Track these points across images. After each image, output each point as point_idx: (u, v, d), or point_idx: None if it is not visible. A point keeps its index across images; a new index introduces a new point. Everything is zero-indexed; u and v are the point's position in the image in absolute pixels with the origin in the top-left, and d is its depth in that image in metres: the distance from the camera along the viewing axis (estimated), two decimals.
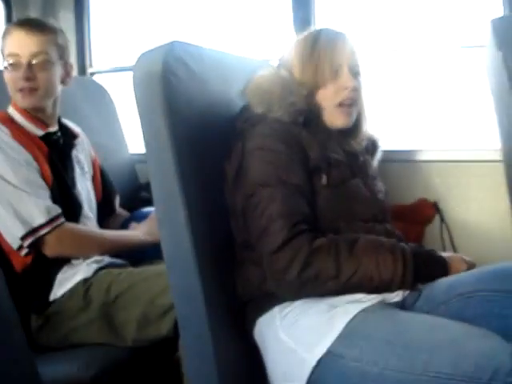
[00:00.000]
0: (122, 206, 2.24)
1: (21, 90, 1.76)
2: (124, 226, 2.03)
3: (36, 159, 1.74)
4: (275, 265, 1.25)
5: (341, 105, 1.45)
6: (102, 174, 2.11)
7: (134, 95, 1.37)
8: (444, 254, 1.40)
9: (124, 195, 2.29)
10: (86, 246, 1.76)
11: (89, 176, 2.00)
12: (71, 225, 1.75)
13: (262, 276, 1.31)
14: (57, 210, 1.70)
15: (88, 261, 1.75)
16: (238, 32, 2.58)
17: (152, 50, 1.40)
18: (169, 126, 1.33)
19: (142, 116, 1.36)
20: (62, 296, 1.68)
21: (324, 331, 1.21)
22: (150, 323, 1.59)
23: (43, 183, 1.72)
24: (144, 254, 1.89)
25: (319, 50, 1.45)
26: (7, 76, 1.77)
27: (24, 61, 1.74)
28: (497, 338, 1.12)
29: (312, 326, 1.23)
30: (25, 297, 1.66)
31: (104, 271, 1.74)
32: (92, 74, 2.86)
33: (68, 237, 1.72)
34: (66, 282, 1.70)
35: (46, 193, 1.71)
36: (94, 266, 1.74)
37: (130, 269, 1.78)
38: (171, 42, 1.41)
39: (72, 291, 1.68)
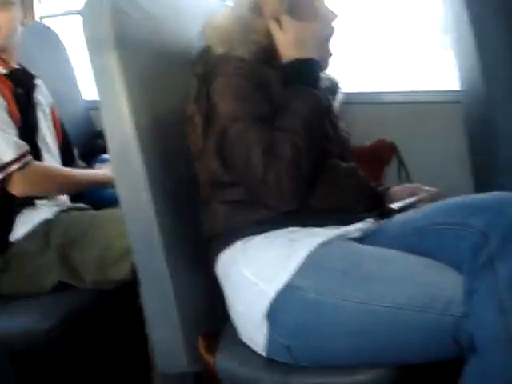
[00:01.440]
0: (79, 154, 2.20)
1: None
2: None
3: (3, 97, 1.72)
4: (270, 194, 1.26)
5: (326, 41, 1.44)
6: (60, 122, 2.07)
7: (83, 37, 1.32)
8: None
9: (80, 143, 2.24)
10: (55, 184, 1.76)
11: (49, 118, 1.96)
12: (39, 163, 1.73)
13: (227, 212, 1.33)
14: (26, 146, 1.68)
15: (50, 203, 1.75)
16: None
17: None
18: (121, 68, 1.29)
19: (93, 59, 1.31)
20: (23, 237, 1.68)
21: (283, 264, 1.22)
22: (108, 266, 1.60)
23: (10, 120, 1.70)
24: (104, 199, 1.88)
25: None
26: None
27: None
28: (450, 270, 1.15)
29: (272, 259, 1.25)
30: None
31: (64, 213, 1.74)
32: (42, 17, 2.76)
33: (37, 174, 1.70)
34: (26, 223, 1.69)
35: (13, 129, 1.69)
36: (56, 209, 1.75)
37: (90, 212, 1.79)
38: None
39: (33, 232, 1.68)
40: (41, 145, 1.81)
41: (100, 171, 1.88)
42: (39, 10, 2.73)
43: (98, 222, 1.67)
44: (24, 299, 1.64)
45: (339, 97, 1.60)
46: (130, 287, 1.55)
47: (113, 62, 1.29)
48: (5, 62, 1.81)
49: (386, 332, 1.14)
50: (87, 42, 1.32)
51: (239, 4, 1.47)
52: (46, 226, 1.69)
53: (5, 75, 1.79)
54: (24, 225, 1.69)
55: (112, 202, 1.80)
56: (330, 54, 1.47)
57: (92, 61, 1.32)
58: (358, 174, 1.44)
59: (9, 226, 1.68)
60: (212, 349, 1.33)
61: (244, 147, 1.27)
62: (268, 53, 1.39)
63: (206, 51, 1.41)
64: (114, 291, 1.64)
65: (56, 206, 1.76)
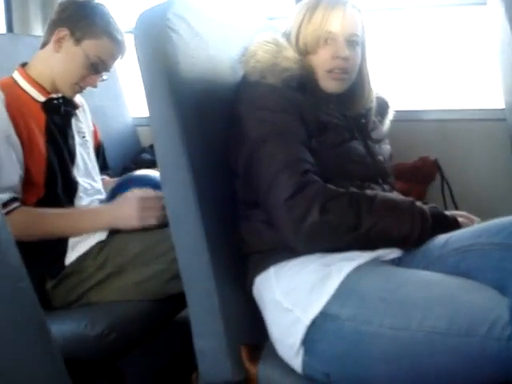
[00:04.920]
0: (125, 168, 2.25)
1: None
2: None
3: (28, 132, 1.68)
4: (291, 213, 1.24)
5: (330, 72, 1.44)
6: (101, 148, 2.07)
7: (135, 54, 1.36)
8: (448, 213, 1.39)
9: (126, 158, 2.30)
10: (42, 230, 1.67)
11: (90, 145, 1.97)
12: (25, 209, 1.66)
13: (257, 231, 1.34)
14: (13, 193, 1.63)
15: None
16: None
17: (153, 7, 1.39)
18: (171, 84, 1.32)
19: (144, 75, 1.35)
20: (77, 259, 1.68)
21: (318, 291, 1.20)
22: (166, 281, 1.63)
23: (16, 162, 1.64)
24: None
25: (316, 16, 1.43)
26: None
27: None
28: (493, 291, 1.11)
29: (306, 286, 1.23)
30: (39, 261, 1.64)
31: (117, 234, 1.72)
32: None
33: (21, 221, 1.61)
34: (79, 245, 1.70)
35: (12, 171, 1.64)
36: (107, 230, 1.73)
37: (142, 232, 1.72)
38: None
39: (87, 253, 1.69)
40: (72, 181, 1.79)
41: (94, 220, 1.73)
42: None
43: (152, 240, 1.67)
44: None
45: (389, 116, 1.60)
46: (177, 299, 1.57)
47: (163, 77, 1.32)
48: (45, 90, 1.79)
49: (426, 358, 1.09)
50: (138, 58, 1.35)
51: (291, 26, 1.49)
52: (101, 246, 1.69)
53: (42, 103, 1.77)
54: (77, 247, 1.69)
55: None
56: None
57: (143, 76, 1.35)
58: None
59: (63, 251, 1.69)
60: (254, 359, 1.34)
61: (271, 171, 1.27)
62: (300, 81, 1.41)
63: (244, 77, 1.44)
64: (161, 302, 1.66)
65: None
